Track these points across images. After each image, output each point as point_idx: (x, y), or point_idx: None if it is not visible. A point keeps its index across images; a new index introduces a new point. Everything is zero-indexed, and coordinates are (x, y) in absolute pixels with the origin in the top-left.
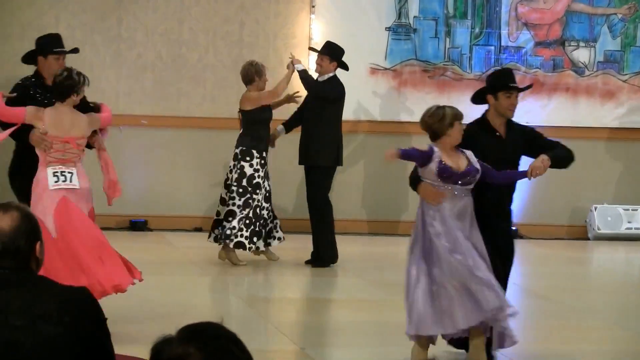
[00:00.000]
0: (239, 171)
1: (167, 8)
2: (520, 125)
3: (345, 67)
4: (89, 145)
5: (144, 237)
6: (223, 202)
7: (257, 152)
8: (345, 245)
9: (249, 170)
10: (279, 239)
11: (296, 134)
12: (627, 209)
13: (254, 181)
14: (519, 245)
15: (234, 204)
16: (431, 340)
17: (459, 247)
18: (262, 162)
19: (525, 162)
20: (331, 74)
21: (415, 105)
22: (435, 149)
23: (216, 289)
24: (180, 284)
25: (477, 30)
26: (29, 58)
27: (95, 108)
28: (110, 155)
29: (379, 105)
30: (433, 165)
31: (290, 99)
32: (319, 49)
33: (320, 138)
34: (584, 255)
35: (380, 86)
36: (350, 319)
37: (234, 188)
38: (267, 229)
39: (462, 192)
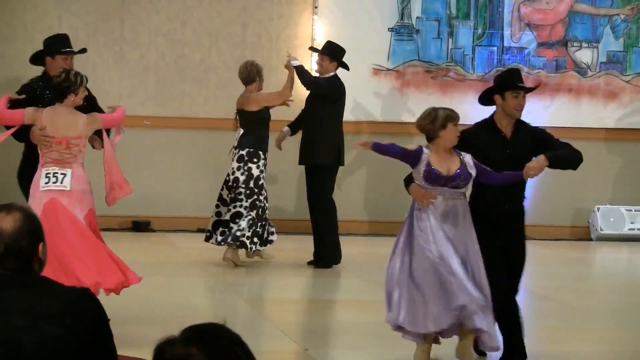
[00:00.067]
0: (246, 173)
1: (169, 9)
2: (531, 126)
3: (346, 67)
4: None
5: (147, 237)
6: (224, 202)
7: (262, 153)
8: (347, 246)
9: (256, 172)
10: (271, 241)
11: (296, 135)
12: (630, 210)
13: (260, 182)
14: None
15: (241, 206)
16: (436, 340)
17: (436, 246)
18: (265, 162)
19: None
20: (331, 74)
21: (417, 106)
22: (426, 150)
23: (219, 290)
24: (182, 285)
25: (479, 31)
26: (36, 59)
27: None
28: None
29: (381, 106)
30: (421, 168)
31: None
32: (321, 49)
33: (321, 138)
34: (586, 255)
35: (383, 87)
36: (352, 319)
37: (242, 190)
38: (265, 228)
39: (451, 194)
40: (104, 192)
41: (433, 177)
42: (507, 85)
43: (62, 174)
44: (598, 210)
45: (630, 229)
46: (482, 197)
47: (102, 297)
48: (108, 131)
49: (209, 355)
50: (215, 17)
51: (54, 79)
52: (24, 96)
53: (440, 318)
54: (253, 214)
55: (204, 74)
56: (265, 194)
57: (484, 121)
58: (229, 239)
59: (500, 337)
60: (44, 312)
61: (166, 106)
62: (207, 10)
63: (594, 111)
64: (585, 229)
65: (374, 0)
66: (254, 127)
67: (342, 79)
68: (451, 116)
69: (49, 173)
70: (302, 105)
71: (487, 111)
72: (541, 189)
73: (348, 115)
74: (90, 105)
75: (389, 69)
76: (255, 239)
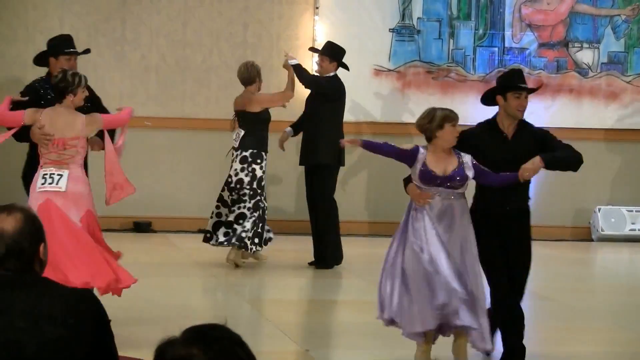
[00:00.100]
0: (250, 174)
1: (171, 10)
2: (534, 127)
3: (346, 67)
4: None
5: (148, 238)
6: (225, 204)
7: (264, 154)
8: (348, 247)
9: (259, 173)
10: (270, 239)
11: (297, 136)
12: (631, 210)
13: (262, 183)
14: None
15: (244, 207)
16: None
17: (427, 247)
18: (266, 163)
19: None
20: (332, 74)
21: (418, 106)
22: (422, 149)
23: (220, 291)
24: (183, 286)
25: (480, 31)
26: (40, 59)
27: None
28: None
29: (382, 107)
30: (417, 167)
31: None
32: (320, 50)
33: (321, 138)
34: (587, 256)
35: (384, 87)
36: (353, 320)
37: (246, 191)
38: (264, 229)
39: (447, 194)
40: (104, 192)
41: (428, 177)
42: (508, 85)
43: (58, 175)
44: (599, 210)
45: (631, 230)
46: (484, 197)
47: (102, 298)
48: (113, 132)
49: (209, 355)
50: (216, 17)
51: (52, 79)
52: (26, 98)
53: (426, 318)
54: (256, 214)
55: (205, 75)
56: (265, 195)
57: (487, 122)
58: (234, 240)
59: (490, 338)
60: (45, 312)
61: (167, 107)
62: (208, 11)
63: (595, 112)
64: (586, 229)
65: (375, 1)
66: (255, 128)
67: (343, 80)
68: (449, 116)
69: (46, 174)
70: (302, 106)
71: (488, 112)
72: (542, 190)
73: (349, 116)
74: (94, 105)
75: (390, 70)
76: (257, 240)
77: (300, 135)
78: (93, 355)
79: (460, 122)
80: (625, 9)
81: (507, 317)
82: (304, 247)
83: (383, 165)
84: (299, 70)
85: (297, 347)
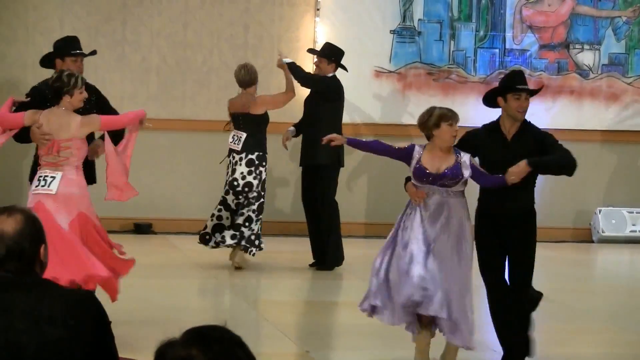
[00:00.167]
0: (258, 177)
1: (171, 11)
2: (537, 129)
3: (344, 68)
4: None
5: (148, 240)
6: (228, 207)
7: (266, 156)
8: (348, 248)
9: (264, 175)
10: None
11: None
12: (632, 212)
13: (265, 185)
14: None
15: (250, 210)
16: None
17: (410, 244)
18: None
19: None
20: (330, 75)
21: (419, 108)
22: (418, 148)
23: (220, 292)
24: (184, 287)
25: (481, 33)
26: (47, 61)
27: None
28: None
29: (383, 108)
30: (412, 165)
31: None
32: (318, 51)
33: (317, 137)
34: (588, 257)
35: (385, 89)
36: (354, 321)
37: (255, 194)
38: None
39: (441, 193)
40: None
41: (421, 175)
42: (508, 87)
43: (51, 177)
44: (599, 212)
45: (631, 231)
46: (485, 197)
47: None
48: (122, 135)
49: (209, 356)
50: (217, 19)
51: (50, 81)
52: (28, 99)
53: (400, 313)
54: (261, 217)
55: (206, 76)
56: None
57: (490, 123)
58: (243, 242)
59: (466, 336)
60: (46, 314)
61: (168, 108)
62: (209, 12)
63: (595, 113)
64: (587, 231)
65: (375, 3)
66: (257, 130)
67: (344, 81)
68: (446, 115)
69: (41, 176)
70: (301, 107)
71: (489, 113)
72: (543, 191)
73: (349, 117)
74: (99, 107)
75: (390, 71)
76: (257, 242)
77: (300, 136)
78: (93, 356)
79: (461, 123)
80: (626, 10)
81: (504, 317)
82: (303, 249)
83: (382, 166)
84: (293, 69)
85: (297, 348)
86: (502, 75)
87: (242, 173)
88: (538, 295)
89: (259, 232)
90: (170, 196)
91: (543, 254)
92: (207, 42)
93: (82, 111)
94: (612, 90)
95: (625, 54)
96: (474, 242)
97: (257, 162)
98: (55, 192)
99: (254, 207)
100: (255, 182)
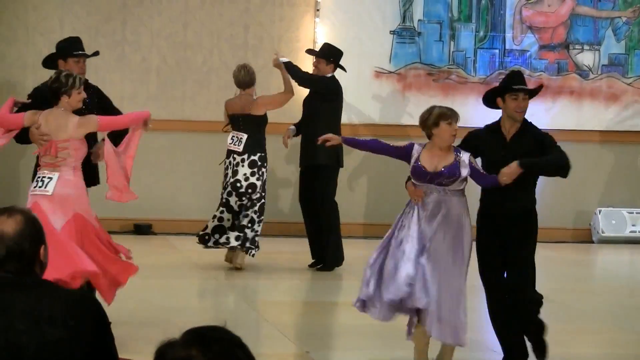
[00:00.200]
0: (261, 178)
1: (171, 11)
2: (537, 130)
3: (343, 69)
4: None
5: (148, 240)
6: (230, 209)
7: (266, 157)
8: (347, 249)
9: (265, 176)
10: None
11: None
12: (632, 212)
13: (265, 186)
14: None
15: (253, 211)
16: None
17: (403, 243)
18: None
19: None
20: (328, 75)
21: (419, 108)
22: (417, 146)
23: (220, 293)
24: (184, 288)
25: (481, 33)
26: (49, 62)
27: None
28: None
29: (383, 109)
30: (411, 163)
31: None
32: (317, 52)
33: (316, 137)
34: (588, 258)
35: (385, 89)
36: (354, 322)
37: (258, 195)
38: None
39: (438, 191)
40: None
41: (418, 173)
42: (505, 87)
43: (49, 178)
44: (599, 212)
45: (631, 232)
46: (486, 197)
47: (103, 300)
48: (124, 134)
49: (209, 357)
50: (217, 19)
51: (48, 81)
52: (29, 100)
53: (386, 309)
54: (262, 217)
55: (206, 76)
56: None
57: (492, 123)
58: (248, 244)
59: (452, 334)
60: (46, 314)
61: (168, 108)
62: (209, 13)
63: (595, 113)
64: (587, 231)
65: (375, 3)
66: (258, 131)
67: (345, 82)
68: (445, 114)
69: (39, 177)
70: (300, 107)
71: (488, 114)
72: (543, 192)
73: (349, 118)
74: (102, 107)
75: (390, 72)
76: (257, 242)
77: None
78: (93, 356)
79: (461, 124)
80: (626, 10)
81: (501, 317)
82: (302, 249)
83: (381, 167)
84: (290, 68)
85: (297, 349)
86: (503, 76)
87: (244, 174)
88: (538, 297)
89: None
90: (170, 197)
91: (543, 254)
92: (207, 43)
93: (84, 112)
94: (612, 91)
95: (625, 55)
96: (474, 242)
97: (259, 163)
98: (51, 193)
99: (256, 208)
100: (258, 184)
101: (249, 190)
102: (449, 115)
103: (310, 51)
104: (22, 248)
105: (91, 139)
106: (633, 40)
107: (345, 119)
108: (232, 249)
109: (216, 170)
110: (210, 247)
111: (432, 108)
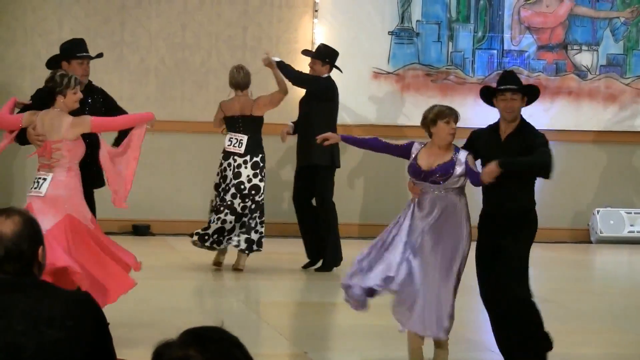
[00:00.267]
0: (264, 179)
1: (170, 12)
2: (532, 130)
3: (339, 69)
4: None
5: (147, 241)
6: (233, 211)
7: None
8: (344, 249)
9: (265, 177)
10: None
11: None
12: (630, 212)
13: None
14: None
15: (257, 213)
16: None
17: (397, 234)
18: None
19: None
20: (324, 76)
21: (417, 109)
22: (417, 145)
23: (218, 293)
24: (182, 288)
25: (479, 34)
26: (53, 63)
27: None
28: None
29: (381, 109)
30: (409, 162)
31: None
32: (312, 53)
33: (312, 137)
34: (586, 258)
35: (383, 90)
36: (352, 322)
37: (263, 196)
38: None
39: (433, 189)
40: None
41: (414, 171)
42: (493, 89)
43: (43, 179)
44: (598, 212)
45: (630, 232)
46: (485, 197)
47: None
48: (125, 134)
49: (206, 357)
50: (215, 20)
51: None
52: (30, 102)
53: (362, 294)
54: (264, 218)
55: (204, 77)
56: None
57: (494, 123)
58: (254, 247)
59: (424, 327)
60: (45, 315)
61: (166, 109)
62: (207, 14)
63: (594, 114)
64: (585, 231)
65: (374, 4)
66: (257, 132)
67: (343, 82)
68: (443, 113)
69: (36, 178)
70: (297, 107)
71: (487, 113)
72: (541, 192)
73: (348, 118)
74: (107, 107)
75: (389, 72)
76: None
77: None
78: (92, 357)
79: (459, 124)
80: (625, 11)
81: (492, 316)
82: (301, 250)
83: (378, 168)
84: (283, 67)
85: (295, 350)
86: None
87: (248, 176)
88: (525, 296)
89: None
90: (168, 197)
91: (541, 254)
92: (206, 44)
93: (87, 112)
94: (610, 91)
95: (624, 55)
96: (471, 241)
97: (261, 164)
98: (43, 194)
99: (260, 209)
100: (262, 185)
101: (252, 192)
102: (447, 113)
103: (306, 52)
104: (21, 249)
105: (95, 140)
106: (631, 41)
107: (343, 119)
108: (242, 251)
109: (215, 171)
110: (206, 247)
111: (433, 107)
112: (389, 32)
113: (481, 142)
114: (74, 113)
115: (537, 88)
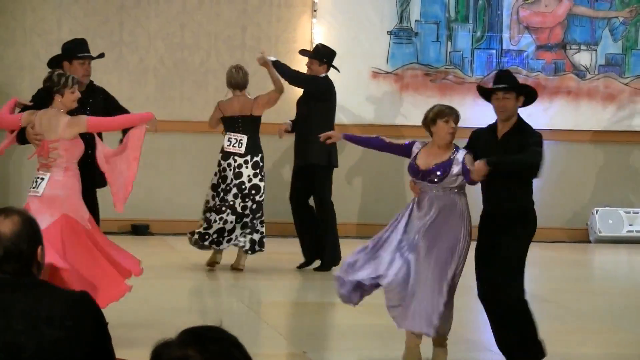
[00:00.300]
0: (264, 179)
1: (169, 12)
2: (528, 130)
3: (336, 69)
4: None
5: (146, 241)
6: (234, 211)
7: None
8: (344, 249)
9: (265, 177)
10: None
11: (289, 137)
12: (629, 212)
13: None
14: None
15: (259, 213)
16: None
17: (393, 232)
18: None
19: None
20: (321, 76)
21: (416, 109)
22: (418, 144)
23: (217, 293)
24: (181, 288)
25: (478, 33)
26: (54, 63)
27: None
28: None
29: (380, 109)
30: (409, 161)
31: None
32: (309, 53)
33: (312, 138)
34: (585, 258)
35: (382, 90)
36: (351, 322)
37: (263, 197)
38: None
39: (430, 188)
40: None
41: (413, 170)
42: (486, 89)
43: (41, 179)
44: (596, 212)
45: (628, 231)
46: (484, 196)
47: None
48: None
49: (205, 356)
50: (214, 20)
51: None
52: (31, 103)
53: (350, 287)
54: (263, 217)
55: (203, 77)
56: None
57: (493, 122)
58: (257, 247)
59: (410, 321)
60: (44, 315)
61: (165, 109)
62: (206, 13)
63: (592, 113)
64: (584, 231)
65: (373, 4)
66: (256, 131)
67: (342, 82)
68: (442, 112)
69: (35, 178)
70: (294, 107)
71: (486, 113)
72: (540, 192)
73: (346, 118)
74: (108, 107)
75: (388, 72)
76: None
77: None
78: (91, 356)
79: (458, 124)
80: (623, 10)
81: (490, 316)
82: (300, 250)
83: (375, 167)
84: (279, 67)
85: (294, 349)
86: None
87: (248, 176)
88: (516, 295)
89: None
90: (167, 197)
91: (540, 254)
92: (205, 44)
93: (89, 113)
94: (609, 91)
95: (622, 55)
96: (472, 241)
97: (261, 164)
98: (40, 194)
99: (261, 209)
100: (262, 185)
101: (253, 192)
102: (447, 113)
103: (303, 52)
104: (20, 249)
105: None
106: (630, 41)
107: (342, 119)
108: (246, 252)
109: (213, 171)
110: (205, 247)
111: (434, 106)
112: (387, 31)
113: (480, 141)
114: (74, 112)
115: (532, 88)
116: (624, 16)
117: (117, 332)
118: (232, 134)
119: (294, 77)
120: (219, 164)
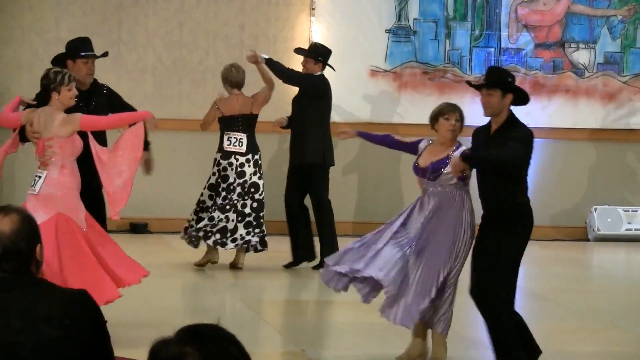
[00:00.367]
0: (263, 177)
1: (167, 11)
2: (519, 127)
3: (332, 67)
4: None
5: (144, 239)
6: (235, 210)
7: None
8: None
9: (263, 175)
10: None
11: (284, 136)
12: (627, 210)
13: None
14: None
15: (260, 212)
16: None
17: (390, 225)
18: None
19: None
20: (316, 74)
21: (415, 107)
22: (425, 142)
23: (216, 291)
24: (180, 287)
25: (477, 32)
26: (58, 62)
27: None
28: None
29: (378, 108)
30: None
31: None
32: (304, 51)
33: (307, 137)
34: (584, 256)
35: (380, 88)
36: (350, 320)
37: (262, 196)
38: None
39: (429, 185)
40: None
41: (414, 168)
42: (472, 85)
43: (39, 176)
44: (595, 210)
45: (627, 230)
46: (479, 193)
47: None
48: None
49: (203, 354)
50: (212, 18)
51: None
52: (35, 102)
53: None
54: (263, 214)
55: (202, 76)
56: None
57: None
58: (259, 246)
59: (399, 315)
60: (43, 313)
61: (164, 108)
62: (205, 12)
63: (591, 112)
64: (583, 229)
65: (371, 2)
66: (253, 130)
67: (340, 80)
68: (443, 110)
69: (35, 176)
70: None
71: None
72: (539, 190)
73: (344, 117)
74: (112, 104)
75: (386, 71)
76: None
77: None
78: (89, 355)
79: None
80: (622, 9)
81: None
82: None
83: (372, 166)
84: (272, 65)
85: (293, 348)
86: None
87: (250, 174)
88: (498, 294)
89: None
90: (166, 196)
91: (539, 252)
92: (203, 42)
93: (92, 112)
94: (607, 89)
95: (621, 53)
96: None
97: (260, 162)
98: (37, 192)
99: (262, 208)
100: (261, 183)
101: (252, 190)
102: (447, 110)
103: (298, 50)
104: (19, 247)
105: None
106: (628, 39)
107: (340, 118)
108: (255, 250)
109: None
110: (208, 245)
111: (440, 105)
112: (386, 30)
113: (477, 139)
114: (77, 111)
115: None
116: (622, 14)
117: (115, 330)
118: (232, 132)
119: (287, 75)
120: (218, 164)
